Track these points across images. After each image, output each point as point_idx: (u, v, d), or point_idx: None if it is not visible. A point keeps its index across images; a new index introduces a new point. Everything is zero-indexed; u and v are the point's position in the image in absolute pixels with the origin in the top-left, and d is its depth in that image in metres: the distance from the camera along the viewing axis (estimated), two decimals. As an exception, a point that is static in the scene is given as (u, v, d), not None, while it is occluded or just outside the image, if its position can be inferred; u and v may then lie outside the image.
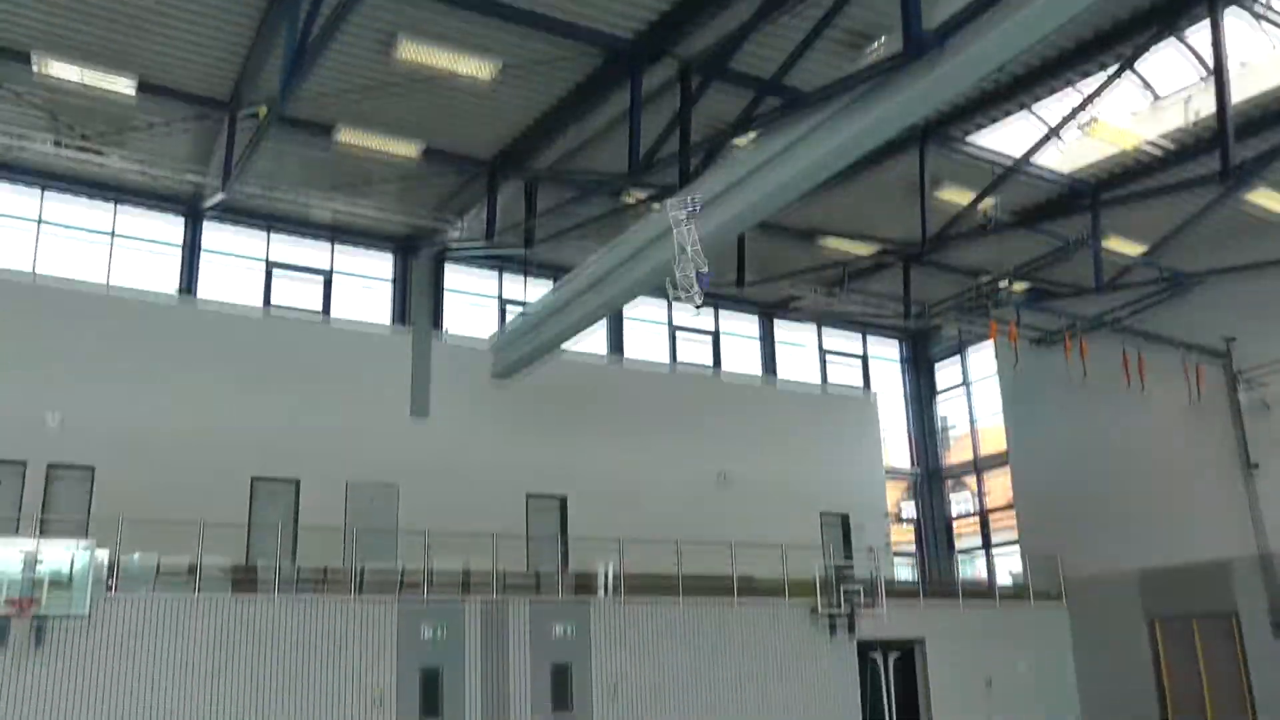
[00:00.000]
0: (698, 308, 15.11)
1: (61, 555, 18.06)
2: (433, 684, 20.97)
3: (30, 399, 22.27)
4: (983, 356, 34.89)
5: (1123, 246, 25.38)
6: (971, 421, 35.96)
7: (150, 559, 20.21)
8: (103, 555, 18.97)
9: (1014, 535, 32.47)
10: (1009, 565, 32.42)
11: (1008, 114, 21.84)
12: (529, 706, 21.69)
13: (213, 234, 26.15)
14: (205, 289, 25.75)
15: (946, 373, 37.23)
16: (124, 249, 25.02)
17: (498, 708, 21.41)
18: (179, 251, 25.67)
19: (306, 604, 20.41)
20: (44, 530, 19.91)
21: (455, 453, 25.80)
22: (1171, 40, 19.69)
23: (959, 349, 35.94)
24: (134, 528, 19.64)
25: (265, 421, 24.29)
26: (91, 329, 23.27)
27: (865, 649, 26.04)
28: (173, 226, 25.77)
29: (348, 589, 21.09)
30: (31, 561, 17.72)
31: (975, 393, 35.97)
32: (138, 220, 25.31)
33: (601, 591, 23.84)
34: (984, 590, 30.35)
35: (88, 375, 22.89)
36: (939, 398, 37.36)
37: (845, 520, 31.34)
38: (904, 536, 36.09)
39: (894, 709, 26.65)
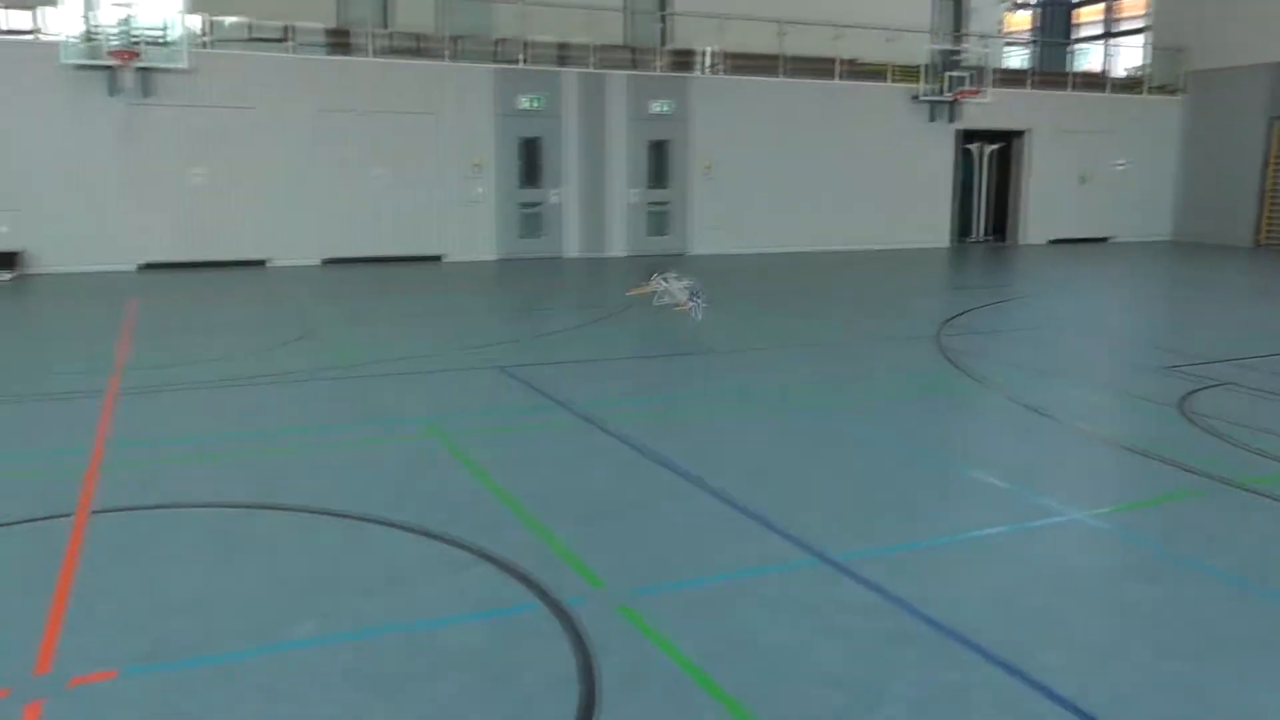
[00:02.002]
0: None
1: (156, 12, 18.33)
2: (531, 154, 21.36)
3: None
4: None
5: None
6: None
7: (242, 20, 20.15)
8: (195, 19, 19.11)
9: (1141, 24, 30.63)
10: (1129, 58, 30.87)
11: None
12: (625, 180, 22.18)
13: None
14: None
15: None
16: None
17: (594, 181, 21.92)
18: None
19: (402, 68, 20.39)
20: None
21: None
22: None
23: None
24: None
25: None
26: None
27: (964, 138, 25.76)
28: None
29: (442, 55, 20.99)
30: (128, 16, 18.02)
31: None
32: None
33: (700, 68, 23.49)
34: (1097, 80, 29.20)
35: None
36: None
37: (959, 3, 29.72)
38: (1020, 25, 34.32)
39: (987, 200, 26.86)
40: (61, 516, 5.93)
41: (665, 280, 14.65)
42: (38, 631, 4.51)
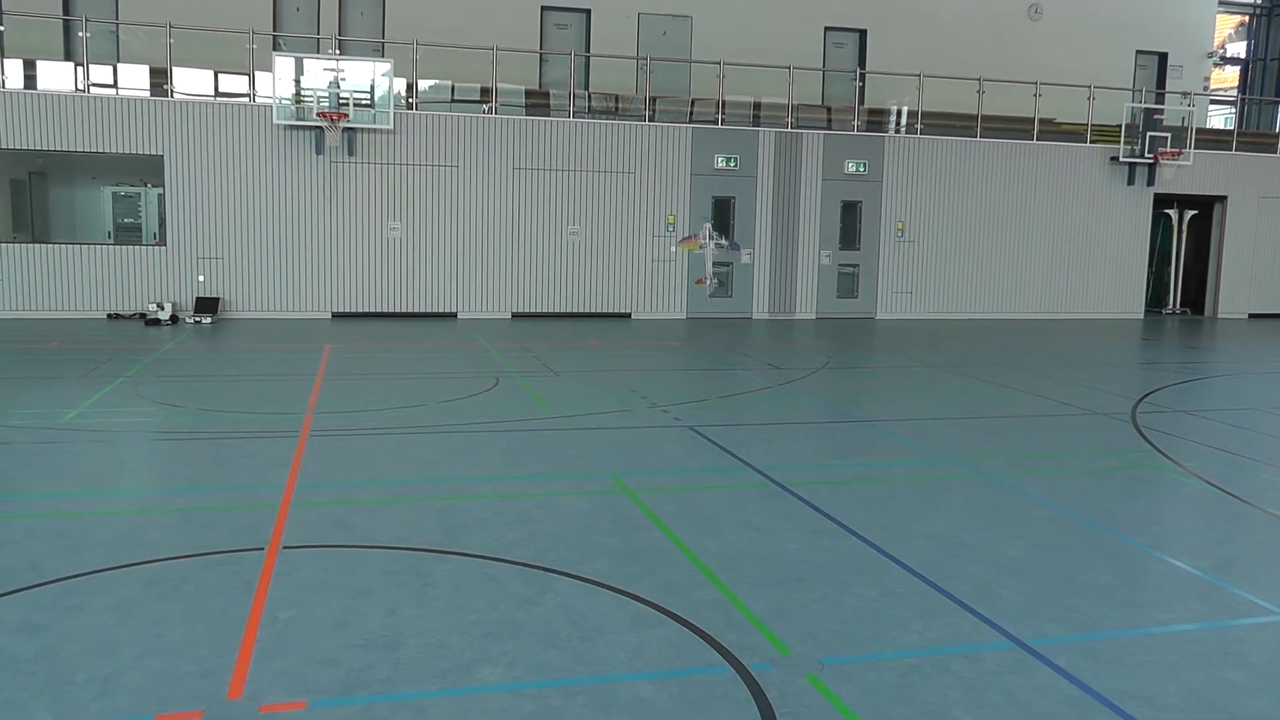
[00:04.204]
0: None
1: (363, 76, 19.27)
2: (724, 213, 21.50)
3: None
4: None
5: None
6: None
7: (445, 83, 21.14)
8: (400, 82, 20.12)
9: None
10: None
11: None
12: (817, 241, 22.09)
13: None
14: None
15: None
16: None
17: (785, 241, 21.90)
18: None
19: (599, 128, 20.88)
20: (342, 52, 20.87)
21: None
22: None
23: None
24: (427, 56, 20.39)
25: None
26: None
27: (1161, 203, 24.77)
28: None
29: (640, 116, 21.44)
30: (336, 80, 18.98)
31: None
32: None
33: (895, 127, 23.36)
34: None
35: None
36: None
37: (1162, 60, 28.76)
38: (1226, 82, 32.90)
39: (1181, 267, 25.68)
40: (255, 549, 6.15)
41: (710, 239, 16.51)
42: (230, 658, 4.66)
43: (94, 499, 7.45)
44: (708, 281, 16.48)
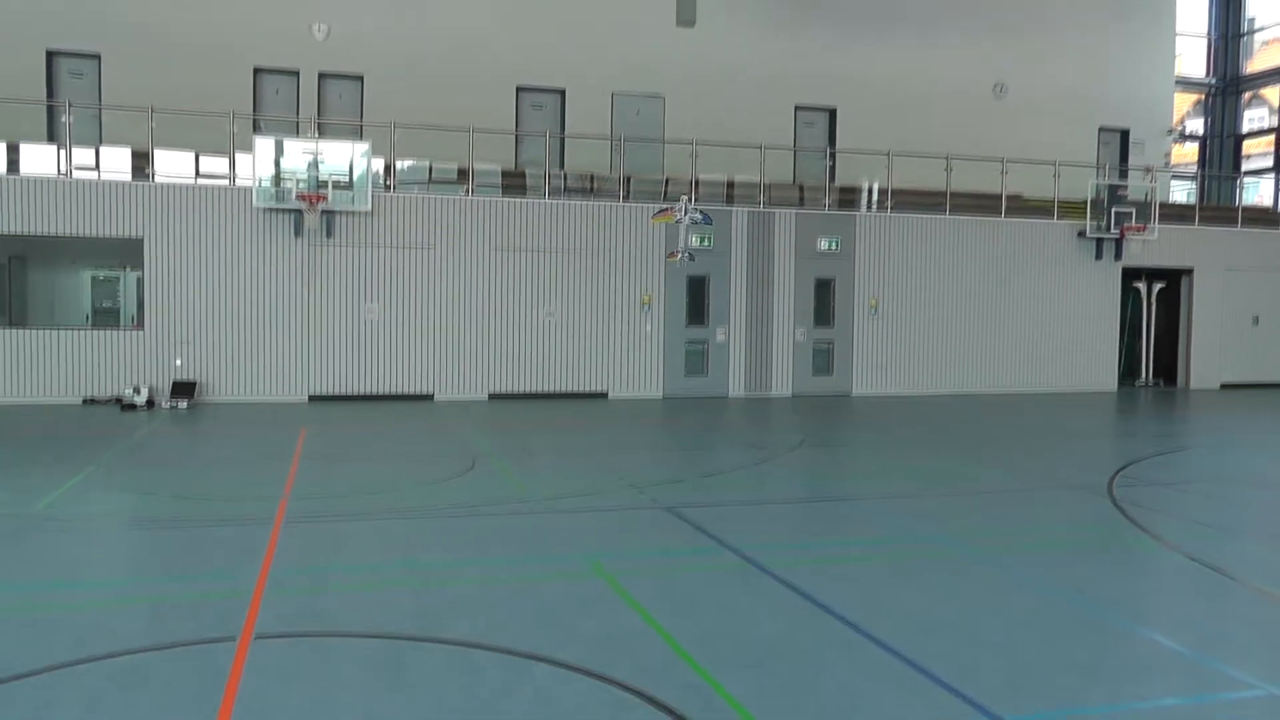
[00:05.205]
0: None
1: (341, 158, 19.41)
2: (699, 292, 21.66)
3: (298, 9, 23.11)
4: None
5: None
6: (1286, 21, 31.98)
7: (422, 163, 21.37)
8: (378, 162, 20.25)
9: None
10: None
11: None
12: (791, 318, 22.23)
13: None
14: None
15: (1260, -35, 32.80)
16: None
17: (760, 319, 22.04)
18: None
19: (575, 209, 21.07)
20: (321, 133, 21.11)
21: (722, 63, 25.34)
22: None
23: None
24: (405, 137, 20.61)
25: (528, 29, 24.29)
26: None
27: (1129, 276, 25.11)
28: None
29: (615, 196, 21.68)
30: (315, 162, 19.12)
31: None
32: None
33: (865, 205, 23.68)
34: (1268, 216, 28.20)
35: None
36: (1249, -8, 33.20)
37: (1125, 136, 29.40)
38: (1186, 158, 33.61)
39: (1152, 339, 25.95)
40: (226, 640, 6.07)
41: (686, 212, 17.31)
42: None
43: (64, 590, 7.36)
44: (680, 256, 17.15)
